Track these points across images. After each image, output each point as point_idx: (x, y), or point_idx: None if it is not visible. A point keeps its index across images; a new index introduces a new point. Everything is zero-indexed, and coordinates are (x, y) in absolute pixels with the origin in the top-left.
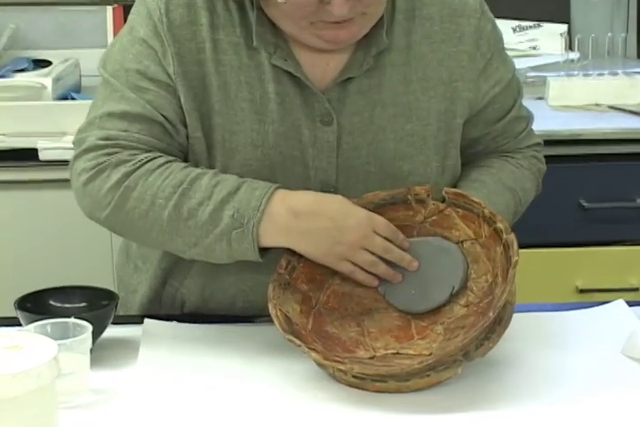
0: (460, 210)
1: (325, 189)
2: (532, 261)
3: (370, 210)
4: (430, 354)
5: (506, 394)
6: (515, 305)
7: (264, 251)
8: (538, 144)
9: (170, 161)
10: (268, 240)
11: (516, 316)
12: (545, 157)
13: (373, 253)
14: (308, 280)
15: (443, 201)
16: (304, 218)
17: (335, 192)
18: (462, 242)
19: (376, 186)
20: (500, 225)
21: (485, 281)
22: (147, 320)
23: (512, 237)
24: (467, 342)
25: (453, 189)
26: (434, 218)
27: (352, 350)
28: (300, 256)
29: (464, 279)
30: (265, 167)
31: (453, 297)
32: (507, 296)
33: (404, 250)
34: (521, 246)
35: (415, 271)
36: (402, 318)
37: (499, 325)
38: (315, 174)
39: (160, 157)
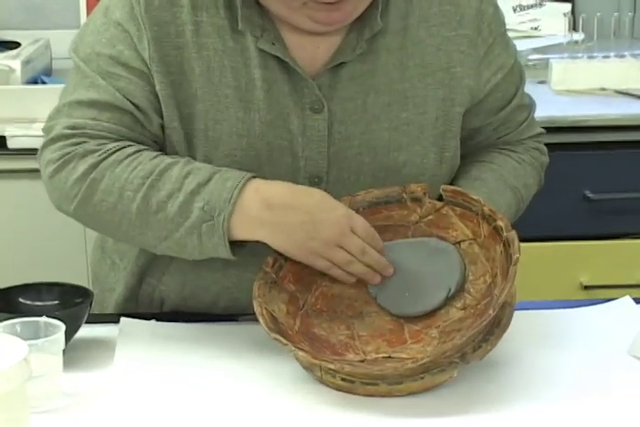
0: (457, 208)
1: (315, 180)
2: (533, 255)
3: (363, 209)
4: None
5: (503, 396)
6: (514, 306)
7: (238, 247)
8: (540, 134)
9: (140, 150)
10: (240, 233)
11: (516, 313)
12: (547, 145)
13: (349, 253)
14: (296, 280)
15: (439, 199)
16: (278, 210)
17: (326, 184)
18: (460, 242)
19: (369, 178)
20: (499, 223)
21: (484, 282)
22: (123, 319)
23: (513, 235)
24: (464, 342)
25: (451, 187)
26: (430, 217)
27: (341, 353)
28: None
29: (461, 281)
30: (251, 158)
31: (449, 300)
32: (506, 297)
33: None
34: (521, 240)
35: (409, 273)
36: (394, 322)
37: (497, 327)
38: (304, 165)
39: (129, 146)
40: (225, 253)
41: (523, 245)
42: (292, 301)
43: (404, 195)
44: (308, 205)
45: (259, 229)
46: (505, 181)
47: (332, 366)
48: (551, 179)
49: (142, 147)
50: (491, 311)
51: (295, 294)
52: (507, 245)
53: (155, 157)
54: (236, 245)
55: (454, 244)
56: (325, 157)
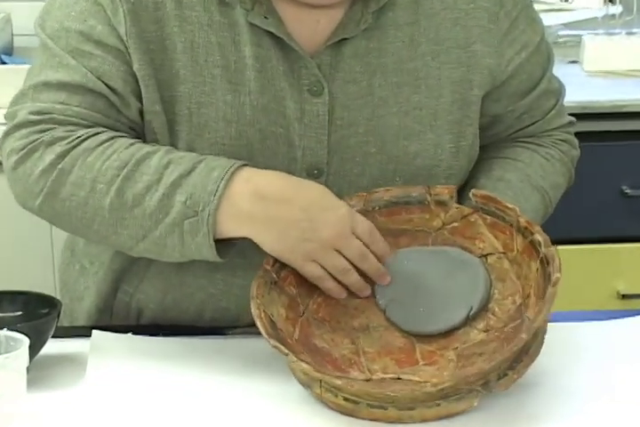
0: (488, 217)
1: (314, 173)
2: (563, 260)
3: (379, 208)
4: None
5: (531, 423)
6: (545, 332)
7: (226, 248)
8: (570, 124)
9: (114, 137)
10: (226, 229)
11: None
12: (578, 134)
13: (346, 259)
14: (297, 283)
15: (459, 203)
16: (271, 203)
17: (326, 177)
18: (487, 256)
19: (375, 170)
20: (538, 237)
21: (512, 303)
22: (95, 332)
23: (553, 252)
24: (490, 368)
25: (483, 192)
26: (455, 224)
27: (344, 369)
28: None
29: (485, 299)
30: (241, 147)
31: (470, 320)
32: (541, 322)
33: (380, 262)
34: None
35: (426, 286)
36: (404, 340)
37: (526, 354)
38: (301, 156)
39: (103, 132)
40: (210, 254)
41: None
42: (291, 305)
43: (428, 196)
44: (306, 200)
45: (248, 225)
46: (531, 183)
47: (338, 382)
48: (583, 173)
49: (117, 134)
50: (524, 336)
51: (296, 298)
52: (545, 262)
53: (131, 145)
54: (222, 244)
55: (480, 256)
56: (325, 147)
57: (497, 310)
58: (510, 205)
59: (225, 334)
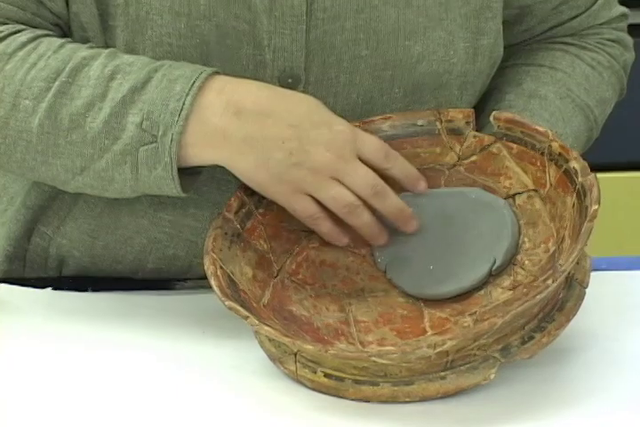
0: (514, 145)
1: (288, 81)
2: (608, 191)
3: None
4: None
5: (566, 402)
6: (587, 283)
7: (188, 178)
8: (621, 17)
9: (38, 37)
10: (192, 153)
11: None
12: (632, 27)
13: (350, 190)
14: (270, 236)
15: (476, 128)
16: (250, 119)
17: (304, 87)
18: (514, 196)
19: (367, 78)
20: (574, 164)
21: (545, 251)
22: (2, 286)
23: (591, 180)
24: (507, 323)
25: (507, 113)
26: (473, 158)
27: (328, 340)
28: (262, 197)
29: (512, 250)
30: (193, 48)
31: (493, 276)
32: (575, 268)
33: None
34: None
35: (437, 237)
36: (410, 306)
37: (559, 311)
38: (272, 59)
39: (21, 31)
40: (172, 188)
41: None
42: (261, 264)
43: (438, 124)
44: (293, 114)
45: (219, 147)
46: (573, 99)
47: (309, 348)
48: (637, 82)
49: (40, 32)
50: (550, 282)
51: (267, 255)
52: (581, 194)
53: (61, 47)
54: (186, 174)
55: (506, 197)
56: (303, 47)
57: (526, 262)
58: (541, 128)
59: (172, 288)
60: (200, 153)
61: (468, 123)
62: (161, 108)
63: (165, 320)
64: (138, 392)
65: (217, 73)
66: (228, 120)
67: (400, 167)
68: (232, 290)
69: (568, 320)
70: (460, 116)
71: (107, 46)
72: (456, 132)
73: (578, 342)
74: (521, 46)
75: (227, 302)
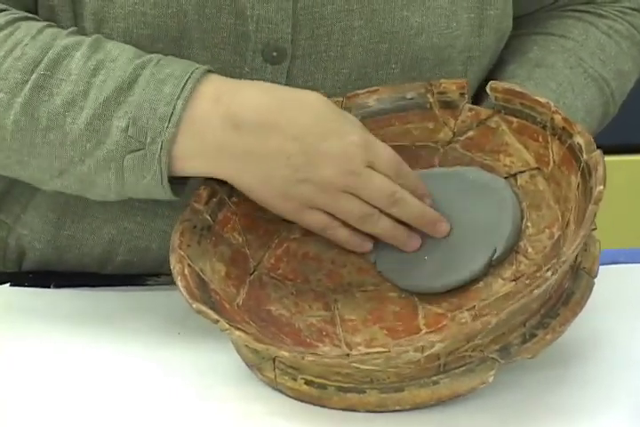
0: (514, 119)
1: (273, 55)
2: (616, 176)
3: (362, 119)
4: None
5: (574, 408)
6: (595, 273)
7: (179, 183)
8: None
9: (16, 20)
10: (186, 165)
11: None
12: None
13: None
14: (245, 228)
15: (475, 99)
16: (251, 131)
17: (291, 62)
18: (516, 175)
19: (360, 53)
20: (578, 139)
21: (549, 237)
22: None
23: (597, 158)
24: (505, 321)
25: (504, 84)
26: (470, 134)
27: (310, 343)
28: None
29: (514, 237)
30: (169, 18)
31: (494, 266)
32: (581, 256)
33: None
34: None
35: None
36: (403, 301)
37: (564, 305)
38: (255, 30)
39: None
40: (163, 195)
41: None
42: (236, 259)
43: (430, 96)
44: (298, 125)
45: (215, 160)
46: (585, 69)
47: (285, 354)
48: None
49: (18, 15)
50: (549, 274)
51: (242, 249)
52: (586, 173)
53: (40, 33)
54: (176, 178)
55: (507, 177)
56: (289, 17)
57: (530, 249)
58: (543, 99)
59: (144, 284)
60: (194, 167)
61: (462, 94)
62: (149, 112)
63: (136, 320)
64: (104, 400)
65: (209, 71)
66: (226, 135)
67: (410, 184)
68: (202, 291)
69: (575, 315)
70: (453, 87)
71: (75, 17)
72: (450, 106)
73: (586, 342)
74: (532, 17)
75: (194, 305)
